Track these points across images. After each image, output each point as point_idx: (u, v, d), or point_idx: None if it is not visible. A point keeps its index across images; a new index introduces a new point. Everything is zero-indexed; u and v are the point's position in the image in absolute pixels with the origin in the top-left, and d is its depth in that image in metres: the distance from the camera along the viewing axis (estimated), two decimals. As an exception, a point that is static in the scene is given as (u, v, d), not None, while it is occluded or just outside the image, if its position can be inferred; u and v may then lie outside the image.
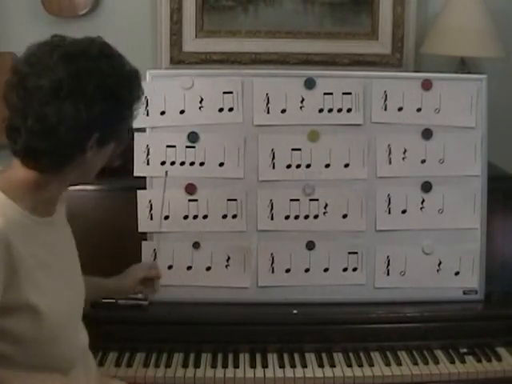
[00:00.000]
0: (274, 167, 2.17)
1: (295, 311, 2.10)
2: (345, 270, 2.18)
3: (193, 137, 2.16)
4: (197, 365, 1.99)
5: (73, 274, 1.66)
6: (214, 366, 1.99)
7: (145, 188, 2.15)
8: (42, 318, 1.49)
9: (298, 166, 2.17)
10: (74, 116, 1.41)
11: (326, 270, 2.18)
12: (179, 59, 2.71)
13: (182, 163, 2.16)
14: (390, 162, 2.18)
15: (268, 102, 2.17)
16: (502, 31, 2.56)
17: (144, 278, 2.02)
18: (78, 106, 1.41)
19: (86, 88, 1.42)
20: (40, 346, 1.52)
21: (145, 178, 2.15)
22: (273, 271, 2.17)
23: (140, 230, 2.14)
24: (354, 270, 2.18)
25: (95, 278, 1.91)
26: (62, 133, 1.41)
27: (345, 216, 2.16)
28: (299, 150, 2.17)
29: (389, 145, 2.18)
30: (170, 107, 2.16)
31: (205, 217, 2.16)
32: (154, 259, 2.13)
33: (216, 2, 2.70)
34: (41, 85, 1.40)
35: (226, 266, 2.17)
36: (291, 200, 2.16)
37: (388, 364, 2.01)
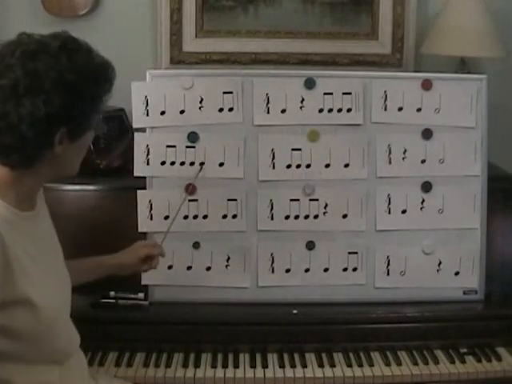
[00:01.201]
0: (274, 167, 2.17)
1: (295, 311, 2.10)
2: (345, 270, 2.18)
3: (193, 137, 2.16)
4: (197, 365, 1.99)
5: (58, 266, 1.69)
6: (214, 366, 1.99)
7: (145, 188, 2.15)
8: (38, 311, 1.51)
9: (298, 166, 2.17)
10: (33, 112, 1.42)
11: (326, 269, 2.18)
12: (179, 59, 2.71)
13: (182, 163, 2.16)
14: (390, 162, 2.18)
15: (268, 102, 2.17)
16: (502, 31, 2.56)
17: (147, 256, 2.01)
18: (36, 102, 1.42)
19: (43, 84, 1.43)
20: (38, 339, 1.53)
21: (145, 177, 2.15)
22: (273, 271, 2.17)
23: (140, 229, 2.14)
24: (354, 269, 2.18)
25: (92, 258, 1.94)
26: (24, 130, 1.43)
27: (345, 216, 2.16)
28: (299, 150, 2.17)
29: (389, 145, 2.18)
30: (169, 107, 2.16)
31: (205, 217, 2.16)
32: (154, 259, 2.13)
33: (216, 2, 2.70)
34: (1, 84, 1.43)
35: (226, 266, 2.17)
36: (291, 200, 2.16)
37: (388, 364, 2.01)
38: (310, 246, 2.17)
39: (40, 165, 1.51)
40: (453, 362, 2.02)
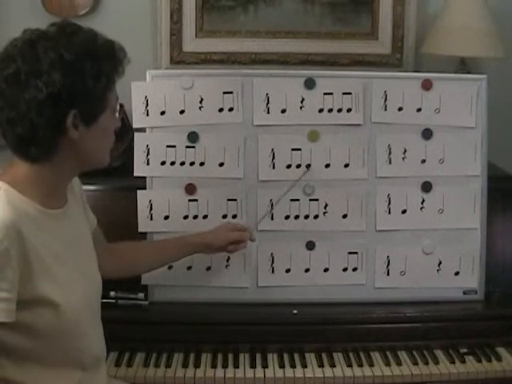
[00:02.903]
0: (273, 167, 2.17)
1: (295, 311, 2.10)
2: (345, 269, 2.18)
3: (193, 137, 2.16)
4: (197, 365, 1.99)
5: (88, 267, 1.67)
6: (214, 366, 1.99)
7: (145, 188, 2.15)
8: (58, 311, 1.50)
9: (298, 166, 2.17)
10: (36, 96, 1.43)
11: (326, 270, 2.18)
12: (179, 59, 2.71)
13: (182, 163, 2.16)
14: (390, 162, 2.18)
15: (268, 102, 2.17)
16: (502, 31, 2.56)
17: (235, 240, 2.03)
18: (38, 84, 1.42)
19: (42, 66, 1.43)
20: (58, 339, 1.53)
21: (145, 177, 2.15)
22: (273, 271, 2.17)
23: (140, 229, 2.13)
24: (354, 269, 2.18)
25: (178, 237, 2.00)
26: (33, 116, 1.44)
27: (345, 216, 2.16)
28: (299, 150, 2.17)
29: (389, 145, 2.18)
30: (170, 107, 2.16)
31: (205, 217, 2.16)
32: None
33: (216, 2, 2.70)
34: (5, 75, 1.44)
35: (226, 266, 2.17)
36: (291, 200, 2.16)
37: (388, 364, 2.01)
38: (310, 246, 2.17)
39: (60, 155, 1.51)
40: (453, 362, 2.02)
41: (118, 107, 1.62)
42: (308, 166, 2.14)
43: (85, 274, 1.63)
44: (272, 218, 2.16)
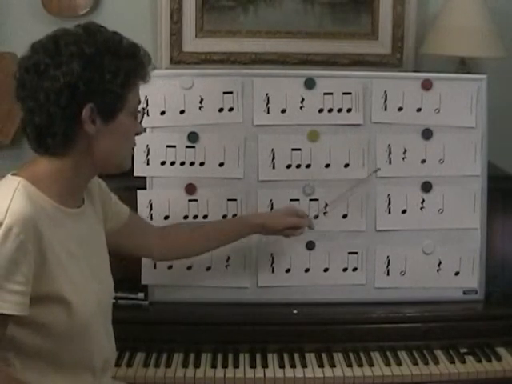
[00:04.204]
0: (274, 167, 2.17)
1: (295, 311, 2.10)
2: (345, 269, 2.18)
3: (193, 137, 2.16)
4: (197, 365, 1.99)
5: (101, 269, 1.66)
6: (214, 366, 1.99)
7: (145, 188, 2.15)
8: (72, 310, 1.50)
9: (298, 166, 2.17)
10: (53, 85, 1.45)
11: (325, 270, 2.18)
12: (179, 59, 2.71)
13: (182, 163, 2.16)
14: (390, 162, 2.18)
15: (268, 102, 2.17)
16: (502, 31, 2.56)
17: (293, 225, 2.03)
18: (56, 74, 1.45)
19: (62, 58, 1.46)
20: (69, 340, 1.53)
21: (145, 177, 2.15)
22: (273, 271, 2.17)
23: (140, 229, 2.13)
24: (354, 270, 2.18)
25: (235, 218, 2.05)
26: (50, 106, 1.46)
27: (345, 216, 2.16)
28: (299, 150, 2.17)
29: (389, 145, 2.18)
30: (170, 107, 2.16)
31: (205, 217, 2.16)
32: (154, 259, 2.13)
33: (216, 2, 2.70)
34: (27, 66, 1.48)
35: (226, 266, 2.17)
36: (291, 200, 2.16)
37: (388, 364, 2.01)
38: (310, 246, 2.17)
39: (77, 150, 1.52)
40: (453, 362, 2.02)
41: (140, 112, 1.62)
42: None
43: (96, 276, 1.62)
44: (272, 218, 2.16)
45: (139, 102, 1.61)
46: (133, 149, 1.66)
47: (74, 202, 1.58)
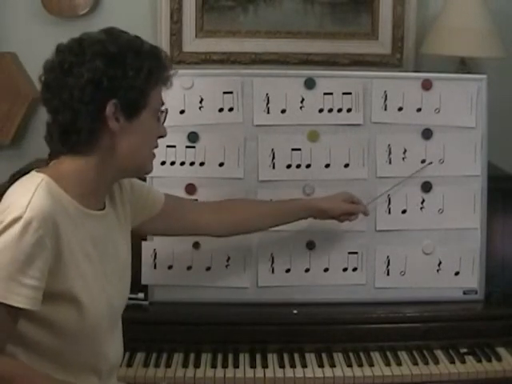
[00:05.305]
0: (274, 167, 2.17)
1: (295, 311, 2.10)
2: (345, 269, 2.18)
3: (193, 137, 2.16)
4: (197, 365, 1.99)
5: (116, 274, 1.65)
6: (213, 366, 1.99)
7: (145, 188, 2.15)
8: (82, 310, 1.51)
9: (298, 166, 2.17)
10: (78, 81, 1.47)
11: (326, 270, 2.18)
12: (179, 59, 2.71)
13: (182, 163, 2.16)
14: (390, 162, 2.19)
15: (268, 102, 2.17)
16: (502, 31, 2.56)
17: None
18: (81, 71, 1.47)
19: (86, 56, 1.48)
20: (78, 341, 1.53)
21: (145, 178, 2.15)
22: (273, 271, 2.17)
23: (140, 229, 2.13)
24: (354, 269, 2.18)
25: (290, 200, 2.05)
26: (75, 102, 1.47)
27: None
28: (299, 150, 2.17)
29: (389, 145, 2.18)
30: (170, 107, 2.14)
31: (205, 217, 2.16)
32: (154, 259, 2.13)
33: (216, 2, 2.70)
34: (52, 66, 1.51)
35: (226, 266, 2.17)
36: (291, 200, 2.16)
37: (388, 364, 2.01)
38: (310, 246, 2.17)
39: (101, 148, 1.52)
40: (453, 362, 2.02)
41: (163, 113, 1.63)
42: (423, 161, 2.16)
43: (110, 280, 1.61)
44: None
45: (162, 104, 1.61)
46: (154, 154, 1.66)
47: (95, 204, 1.58)
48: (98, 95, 1.48)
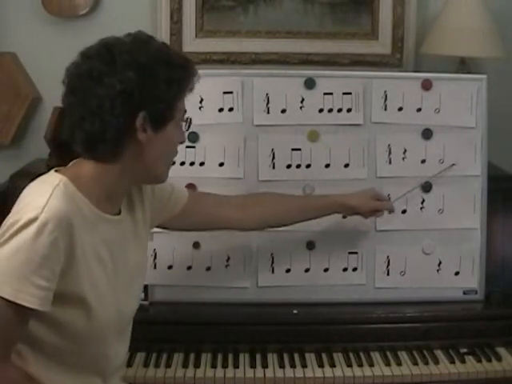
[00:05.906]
0: (274, 167, 2.17)
1: (295, 311, 2.10)
2: (345, 269, 2.18)
3: (193, 137, 2.16)
4: (197, 365, 1.99)
5: (127, 280, 1.64)
6: (213, 366, 1.99)
7: (145, 188, 2.15)
8: (91, 313, 1.51)
9: (298, 166, 2.17)
10: (109, 92, 1.45)
11: (326, 270, 2.18)
12: (179, 59, 2.71)
13: (182, 163, 2.16)
14: (390, 162, 2.19)
15: (268, 102, 2.17)
16: (502, 31, 2.56)
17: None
18: (112, 81, 1.45)
19: (116, 66, 1.46)
20: (86, 343, 1.53)
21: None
22: (273, 271, 2.17)
23: (140, 229, 2.13)
24: (354, 269, 2.18)
25: (318, 196, 2.08)
26: (104, 113, 1.46)
27: (345, 216, 2.16)
28: (299, 150, 2.17)
29: (389, 145, 2.19)
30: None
31: (205, 217, 2.16)
32: (154, 259, 2.13)
33: (216, 2, 2.70)
34: (79, 72, 1.48)
35: (226, 266, 2.17)
36: (291, 200, 2.16)
37: (388, 364, 2.01)
38: (310, 246, 2.17)
39: (125, 158, 1.51)
40: (453, 362, 2.02)
41: (184, 121, 1.62)
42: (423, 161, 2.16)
43: (121, 286, 1.61)
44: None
45: (185, 112, 1.60)
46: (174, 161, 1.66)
47: (111, 209, 1.58)
48: (129, 107, 1.46)
